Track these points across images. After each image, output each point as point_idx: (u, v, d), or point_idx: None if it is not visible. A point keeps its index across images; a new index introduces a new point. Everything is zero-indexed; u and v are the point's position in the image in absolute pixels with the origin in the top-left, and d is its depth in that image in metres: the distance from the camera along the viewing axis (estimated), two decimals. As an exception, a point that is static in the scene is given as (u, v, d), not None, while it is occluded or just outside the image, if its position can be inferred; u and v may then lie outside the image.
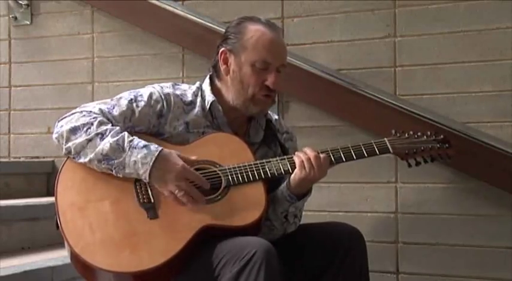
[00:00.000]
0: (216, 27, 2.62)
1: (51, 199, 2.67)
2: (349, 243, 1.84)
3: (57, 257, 2.15)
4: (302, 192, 1.84)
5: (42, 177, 3.02)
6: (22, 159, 3.11)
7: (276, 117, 2.07)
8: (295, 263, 1.85)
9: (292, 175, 1.80)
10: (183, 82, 2.01)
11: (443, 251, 2.40)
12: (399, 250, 2.47)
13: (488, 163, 2.30)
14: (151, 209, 1.71)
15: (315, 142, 2.54)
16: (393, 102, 2.41)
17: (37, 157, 3.08)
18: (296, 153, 1.81)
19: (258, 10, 2.58)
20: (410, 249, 2.45)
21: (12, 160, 3.12)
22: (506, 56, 2.36)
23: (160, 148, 1.72)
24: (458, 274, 2.38)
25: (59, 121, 1.81)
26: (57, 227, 1.71)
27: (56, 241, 2.44)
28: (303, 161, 1.77)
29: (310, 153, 1.78)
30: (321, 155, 1.79)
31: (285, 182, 1.85)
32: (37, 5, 3.13)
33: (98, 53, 3.00)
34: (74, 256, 1.67)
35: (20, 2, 3.13)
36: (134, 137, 1.74)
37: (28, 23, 3.13)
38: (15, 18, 3.15)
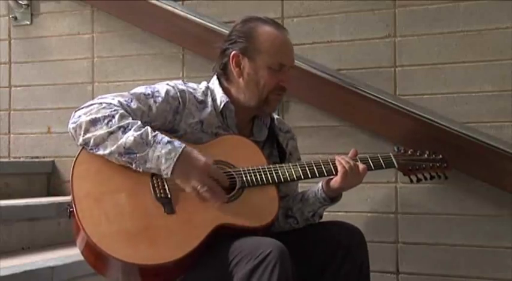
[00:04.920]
0: (216, 27, 2.61)
1: (51, 199, 2.68)
2: (350, 241, 1.86)
3: (57, 257, 2.15)
4: (335, 195, 1.91)
5: (42, 177, 3.02)
6: (22, 159, 3.10)
7: (277, 116, 2.10)
8: (296, 262, 1.85)
9: (333, 180, 1.86)
10: (182, 82, 2.01)
11: (443, 251, 2.40)
12: (399, 250, 2.47)
13: (488, 163, 2.29)
14: (168, 204, 1.71)
15: (315, 142, 2.54)
16: (393, 102, 2.41)
17: (37, 157, 3.08)
18: (337, 160, 1.87)
19: (258, 10, 2.58)
20: (410, 249, 2.45)
21: (12, 160, 3.11)
22: (506, 56, 2.36)
23: (183, 145, 1.73)
24: (458, 274, 2.38)
25: (76, 111, 1.79)
26: (69, 216, 1.71)
27: (56, 241, 2.45)
28: (345, 169, 1.83)
29: (351, 161, 1.86)
30: (360, 165, 1.86)
31: (320, 185, 1.91)
32: (37, 5, 3.12)
33: (98, 53, 3.00)
34: (89, 245, 1.65)
35: (20, 2, 3.13)
36: (157, 132, 1.75)
37: (28, 23, 3.13)
38: (15, 18, 3.15)
